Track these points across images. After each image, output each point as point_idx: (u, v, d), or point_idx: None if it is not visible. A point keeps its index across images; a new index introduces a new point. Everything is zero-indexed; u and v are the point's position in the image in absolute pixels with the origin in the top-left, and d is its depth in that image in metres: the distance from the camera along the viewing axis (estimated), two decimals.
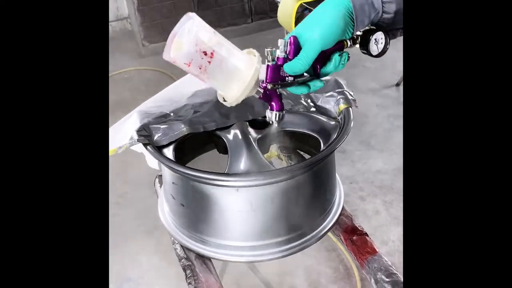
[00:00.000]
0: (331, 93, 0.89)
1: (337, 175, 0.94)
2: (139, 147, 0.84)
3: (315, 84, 0.70)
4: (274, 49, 0.66)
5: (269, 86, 0.67)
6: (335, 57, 0.68)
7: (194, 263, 0.85)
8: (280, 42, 0.66)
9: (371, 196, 1.99)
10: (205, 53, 0.62)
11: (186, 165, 0.88)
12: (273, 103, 0.69)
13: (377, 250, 0.85)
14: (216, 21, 2.94)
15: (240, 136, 0.87)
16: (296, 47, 0.66)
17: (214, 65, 0.63)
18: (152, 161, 0.89)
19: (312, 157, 0.78)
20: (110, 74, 2.75)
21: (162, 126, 0.85)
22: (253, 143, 0.86)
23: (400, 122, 2.37)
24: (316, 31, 0.65)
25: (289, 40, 0.66)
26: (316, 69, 0.69)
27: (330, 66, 0.69)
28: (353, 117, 0.85)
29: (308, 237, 0.84)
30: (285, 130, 0.91)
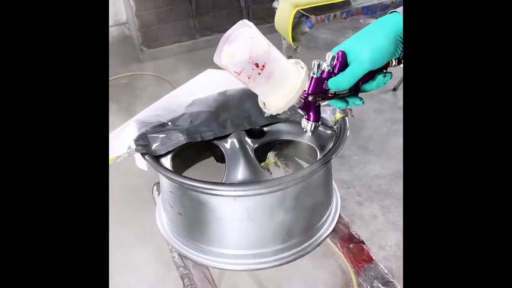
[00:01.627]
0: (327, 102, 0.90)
1: (333, 182, 0.95)
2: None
3: (354, 101, 0.70)
4: (321, 62, 0.65)
5: (310, 98, 0.67)
6: (379, 77, 0.68)
7: (192, 272, 0.86)
8: (328, 55, 0.66)
9: (368, 201, 2.00)
10: (257, 65, 0.62)
11: (183, 174, 0.89)
12: (311, 114, 0.70)
13: (373, 258, 0.86)
14: (213, 27, 2.96)
15: (237, 145, 0.87)
16: (343, 63, 0.66)
17: (263, 76, 0.63)
18: (141, 162, 0.88)
19: (308, 167, 0.79)
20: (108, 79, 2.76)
21: (160, 136, 0.85)
22: (250, 152, 0.87)
23: (397, 127, 2.38)
24: (366, 52, 0.63)
25: (337, 55, 0.66)
26: (357, 85, 0.68)
27: (372, 85, 0.69)
28: (349, 126, 0.86)
29: (305, 245, 0.85)
30: (282, 139, 0.92)
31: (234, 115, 0.91)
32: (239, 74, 0.63)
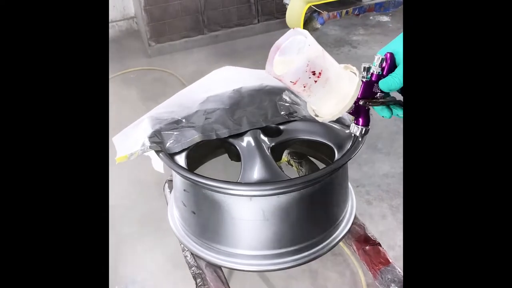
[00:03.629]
0: None
1: (349, 183, 0.94)
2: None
3: (398, 113, 0.70)
4: (370, 65, 0.65)
5: (361, 102, 0.66)
6: None
7: (205, 272, 0.84)
8: (377, 58, 0.65)
9: (377, 200, 1.98)
10: (314, 73, 0.60)
11: (197, 172, 0.87)
12: (360, 119, 0.68)
13: (390, 260, 0.84)
14: (222, 22, 2.93)
15: (253, 144, 0.86)
16: (391, 64, 0.66)
17: (319, 84, 0.61)
18: (157, 165, 0.86)
19: (326, 167, 0.77)
20: (116, 74, 2.74)
21: (174, 133, 0.84)
22: (267, 151, 0.85)
23: None
24: None
25: (385, 56, 0.65)
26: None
27: None
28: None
29: (320, 246, 0.83)
30: (299, 138, 0.90)
31: (250, 112, 0.89)
32: (294, 84, 0.61)
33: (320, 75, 0.60)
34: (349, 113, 0.67)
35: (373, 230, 1.84)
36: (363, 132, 0.68)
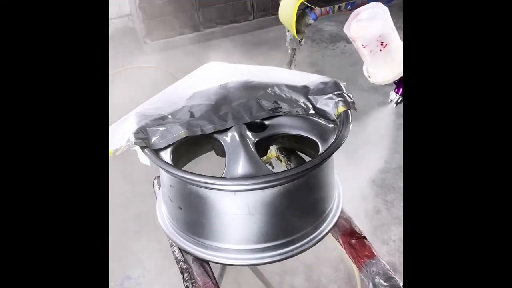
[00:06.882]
0: (330, 95, 0.88)
1: (336, 176, 0.94)
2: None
3: None
4: None
5: None
6: None
7: (192, 266, 0.85)
8: None
9: (372, 195, 1.98)
10: (382, 43, 0.76)
11: (183, 168, 0.88)
12: (401, 88, 0.84)
13: (375, 253, 0.84)
14: (218, 18, 2.93)
15: (238, 139, 0.86)
16: None
17: (382, 52, 0.77)
18: (144, 158, 0.87)
19: (309, 161, 0.78)
20: (111, 72, 2.75)
21: (159, 129, 0.84)
22: (251, 146, 0.85)
23: (402, 121, 2.36)
24: None
25: None
26: None
27: None
28: (351, 119, 0.85)
29: (306, 240, 0.84)
30: (284, 133, 0.90)
31: (235, 108, 0.89)
32: (364, 47, 0.77)
33: (386, 46, 0.76)
34: (394, 82, 0.80)
35: (367, 225, 1.85)
36: (398, 101, 0.84)
